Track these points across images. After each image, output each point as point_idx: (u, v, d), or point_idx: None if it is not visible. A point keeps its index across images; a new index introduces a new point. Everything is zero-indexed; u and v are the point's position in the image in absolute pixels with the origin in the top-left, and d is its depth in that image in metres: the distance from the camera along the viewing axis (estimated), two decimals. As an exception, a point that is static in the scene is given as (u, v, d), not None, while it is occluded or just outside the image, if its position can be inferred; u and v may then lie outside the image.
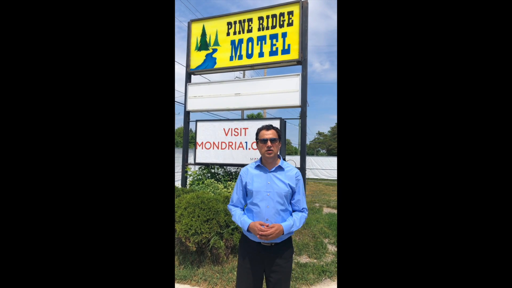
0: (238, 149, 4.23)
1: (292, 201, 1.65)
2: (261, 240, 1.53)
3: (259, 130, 1.70)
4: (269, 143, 1.61)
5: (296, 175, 1.65)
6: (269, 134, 1.64)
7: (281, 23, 4.12)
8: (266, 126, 1.69)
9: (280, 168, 1.65)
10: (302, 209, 1.65)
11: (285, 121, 4.20)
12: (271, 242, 1.55)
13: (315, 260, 3.29)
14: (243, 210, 1.70)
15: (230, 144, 4.29)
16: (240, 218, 1.62)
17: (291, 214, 1.63)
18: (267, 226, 1.50)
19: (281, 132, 1.66)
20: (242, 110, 5.69)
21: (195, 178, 4.55)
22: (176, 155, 7.30)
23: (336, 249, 3.68)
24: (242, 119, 5.22)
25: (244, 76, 12.44)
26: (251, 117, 22.81)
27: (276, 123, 3.86)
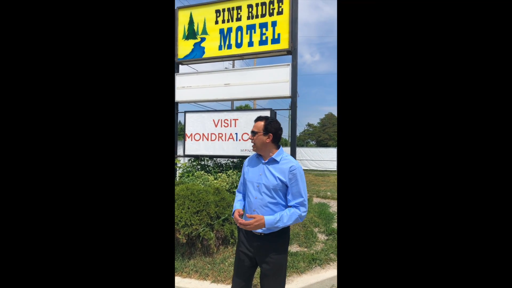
0: (228, 140, 4.19)
1: (287, 196, 1.57)
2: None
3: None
4: (251, 136, 1.66)
5: (291, 169, 1.53)
6: (253, 127, 1.66)
7: (271, 11, 4.03)
8: (255, 118, 1.71)
9: (274, 161, 1.60)
10: (296, 204, 1.52)
11: (276, 112, 4.17)
12: (259, 232, 1.55)
13: (305, 249, 3.33)
14: (244, 198, 1.77)
15: (220, 135, 4.23)
16: (235, 204, 1.73)
17: (285, 208, 1.58)
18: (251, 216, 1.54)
19: (269, 123, 1.63)
20: (232, 100, 5.61)
21: (185, 170, 4.49)
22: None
23: (325, 238, 3.74)
24: (232, 110, 5.15)
25: (233, 66, 12.25)
26: (241, 108, 22.64)
27: (267, 114, 3.83)
